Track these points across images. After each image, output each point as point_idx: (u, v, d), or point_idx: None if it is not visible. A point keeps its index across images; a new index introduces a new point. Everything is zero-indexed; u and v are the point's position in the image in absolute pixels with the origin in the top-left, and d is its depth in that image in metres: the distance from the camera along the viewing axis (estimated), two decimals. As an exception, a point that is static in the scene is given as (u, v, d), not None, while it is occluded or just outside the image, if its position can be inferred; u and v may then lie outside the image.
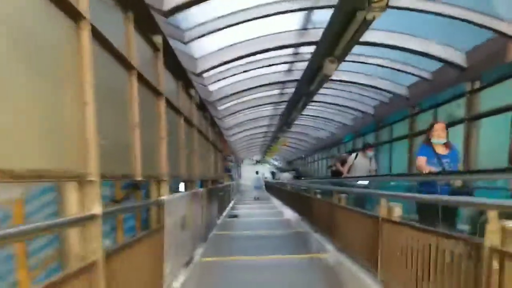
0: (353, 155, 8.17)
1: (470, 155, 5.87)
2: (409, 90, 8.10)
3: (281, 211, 13.16)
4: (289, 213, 11.33)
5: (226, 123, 11.64)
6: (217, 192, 8.86)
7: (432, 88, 7.03)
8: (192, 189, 5.33)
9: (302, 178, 16.76)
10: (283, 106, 10.39)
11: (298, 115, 10.39)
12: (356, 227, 4.68)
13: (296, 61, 7.64)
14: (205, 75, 6.54)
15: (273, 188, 19.66)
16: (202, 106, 6.64)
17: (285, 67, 8.20)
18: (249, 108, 11.05)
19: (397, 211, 3.49)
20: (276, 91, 9.90)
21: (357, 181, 7.14)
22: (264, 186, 24.61)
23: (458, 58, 6.00)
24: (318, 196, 7.76)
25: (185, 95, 5.23)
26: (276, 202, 16.79)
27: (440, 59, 6.14)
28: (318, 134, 16.29)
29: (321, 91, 8.22)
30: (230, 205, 14.71)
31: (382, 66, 7.32)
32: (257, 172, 27.35)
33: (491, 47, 5.39)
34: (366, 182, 6.89)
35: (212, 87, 7.77)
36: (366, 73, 8.32)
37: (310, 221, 7.72)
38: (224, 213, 11.25)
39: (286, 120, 11.06)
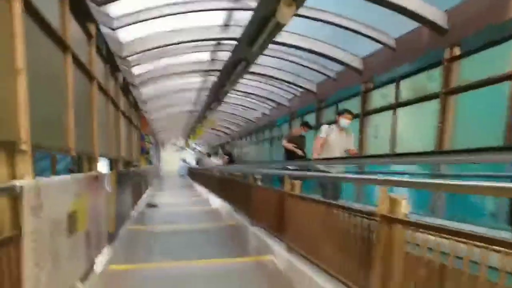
0: (326, 127, 5.95)
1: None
2: (363, 62, 7.15)
3: (207, 198, 12.05)
4: (217, 202, 9.97)
5: (145, 95, 10.41)
6: (130, 176, 7.28)
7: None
8: (90, 170, 3.83)
9: (235, 163, 15.37)
10: (214, 75, 9.50)
11: (232, 87, 9.60)
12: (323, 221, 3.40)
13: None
14: (130, 58, 6.80)
15: (197, 175, 18.73)
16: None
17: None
18: (174, 74, 9.44)
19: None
20: (205, 64, 9.07)
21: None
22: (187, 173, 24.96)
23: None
24: (259, 183, 6.32)
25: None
26: (200, 189, 15.48)
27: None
28: (250, 115, 15.36)
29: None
30: (148, 192, 12.78)
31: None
32: (184, 160, 27.61)
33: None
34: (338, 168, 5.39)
35: (136, 69, 8.00)
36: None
37: (246, 213, 6.39)
38: (141, 202, 9.52)
39: (217, 92, 10.32)
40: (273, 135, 13.83)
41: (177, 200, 12.40)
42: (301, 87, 9.51)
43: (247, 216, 6.40)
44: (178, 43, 6.70)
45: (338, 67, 8.03)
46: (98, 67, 4.39)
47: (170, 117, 16.46)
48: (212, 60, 8.77)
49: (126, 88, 7.69)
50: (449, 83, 5.09)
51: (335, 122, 6.08)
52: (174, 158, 29.34)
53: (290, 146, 7.41)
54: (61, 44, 2.94)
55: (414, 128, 6.29)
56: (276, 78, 9.41)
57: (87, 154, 3.88)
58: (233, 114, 16.10)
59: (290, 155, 7.40)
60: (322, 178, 5.39)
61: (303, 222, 3.90)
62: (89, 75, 3.87)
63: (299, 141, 7.57)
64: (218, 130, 21.48)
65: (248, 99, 13.08)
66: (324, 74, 8.27)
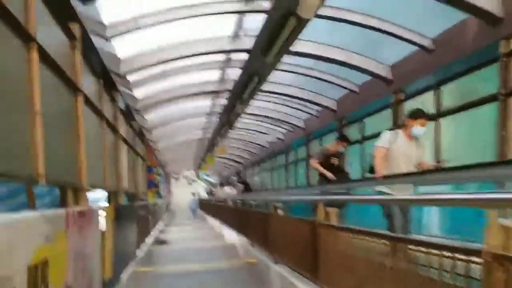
0: (388, 134, 4.36)
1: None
2: (392, 70, 6.30)
3: (221, 232, 11.19)
4: (232, 236, 9.11)
5: (150, 122, 9.73)
6: (135, 211, 6.45)
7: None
8: (77, 203, 3.04)
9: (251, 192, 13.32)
10: (223, 97, 8.74)
11: (244, 108, 8.51)
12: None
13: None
14: (130, 79, 6.09)
15: (209, 206, 18.08)
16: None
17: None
18: (180, 98, 8.63)
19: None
20: (214, 84, 8.29)
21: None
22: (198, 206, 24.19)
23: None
24: (279, 212, 6.00)
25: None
26: (213, 221, 14.69)
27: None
28: (262, 139, 14.34)
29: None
30: (158, 227, 12.13)
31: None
32: (193, 194, 26.67)
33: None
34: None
35: (138, 92, 7.30)
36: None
37: (266, 248, 5.57)
38: (149, 239, 8.69)
39: (228, 115, 9.36)
40: (288, 161, 12.92)
41: (189, 235, 11.74)
42: (318, 104, 8.70)
43: (267, 252, 5.53)
44: (184, 57, 5.97)
45: (360, 79, 7.23)
46: (85, 78, 3.62)
47: (178, 146, 15.73)
48: (221, 80, 8.06)
49: (128, 113, 6.96)
50: (509, 82, 4.21)
51: (400, 126, 4.59)
52: (185, 190, 28.43)
53: (319, 167, 6.02)
54: (22, 32, 2.17)
55: (464, 138, 5.35)
56: (291, 96, 8.63)
57: (69, 183, 3.04)
58: (244, 140, 15.31)
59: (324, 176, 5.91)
60: (386, 204, 4.01)
61: (349, 261, 2.98)
62: (70, 82, 3.08)
63: (337, 159, 6.20)
64: (229, 159, 20.68)
65: (260, 122, 12.31)
66: (345, 88, 7.46)
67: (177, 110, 10.08)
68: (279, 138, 12.85)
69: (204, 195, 26.65)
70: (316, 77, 7.44)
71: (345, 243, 3.09)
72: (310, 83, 8.26)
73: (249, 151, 17.22)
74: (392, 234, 2.54)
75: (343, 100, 8.04)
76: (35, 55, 2.30)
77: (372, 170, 4.35)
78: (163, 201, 17.89)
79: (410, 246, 2.19)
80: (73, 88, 3.20)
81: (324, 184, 5.51)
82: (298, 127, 10.68)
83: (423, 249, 2.05)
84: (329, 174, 5.83)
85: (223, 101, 9.10)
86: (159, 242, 9.28)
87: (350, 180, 5.84)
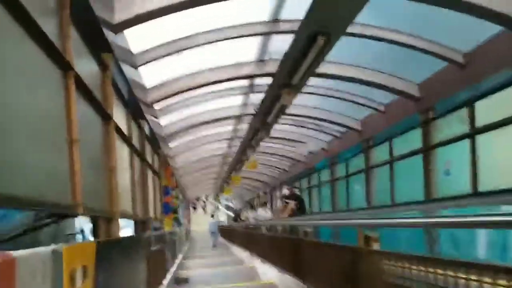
0: None
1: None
2: (420, 88, 6.15)
3: (253, 267, 9.19)
4: (271, 273, 7.25)
5: (172, 150, 9.62)
6: (145, 243, 4.59)
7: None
8: (109, 233, 2.81)
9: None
10: (246, 122, 8.66)
11: (267, 131, 7.85)
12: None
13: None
14: (155, 105, 6.11)
15: (233, 234, 16.05)
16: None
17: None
18: (204, 124, 8.62)
19: None
20: (237, 109, 8.27)
21: None
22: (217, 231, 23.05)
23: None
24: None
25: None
26: (240, 252, 12.81)
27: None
28: (283, 164, 14.05)
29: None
30: (177, 261, 10.05)
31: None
32: (212, 216, 25.41)
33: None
34: None
35: (162, 120, 7.32)
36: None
37: None
38: (167, 279, 6.91)
39: (251, 139, 8.86)
40: (311, 184, 12.68)
41: (214, 270, 9.64)
42: (342, 125, 8.54)
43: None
44: (208, 84, 5.98)
45: (385, 99, 7.08)
46: (115, 107, 3.61)
47: (198, 171, 15.64)
48: (244, 104, 8.03)
49: (154, 140, 6.95)
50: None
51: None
52: (204, 217, 27.91)
53: None
54: (60, 59, 2.14)
55: (503, 156, 5.10)
56: (314, 118, 8.51)
57: (102, 213, 2.95)
58: (265, 164, 15.16)
59: None
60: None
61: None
62: (103, 111, 3.05)
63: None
64: (252, 179, 20.35)
65: (281, 146, 12.21)
66: (370, 107, 7.31)
67: (199, 135, 10.08)
68: (299, 161, 12.68)
69: (224, 221, 25.97)
70: (338, 98, 7.32)
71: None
72: (331, 104, 8.14)
73: (268, 175, 17.02)
74: (461, 260, 2.25)
75: (368, 120, 7.87)
76: (72, 84, 2.27)
77: None
78: (182, 229, 16.10)
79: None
80: (106, 116, 3.17)
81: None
82: (322, 149, 10.52)
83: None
84: None
85: (245, 126, 9.06)
86: (179, 281, 7.76)
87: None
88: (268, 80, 6.19)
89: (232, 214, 26.68)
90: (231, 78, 6.07)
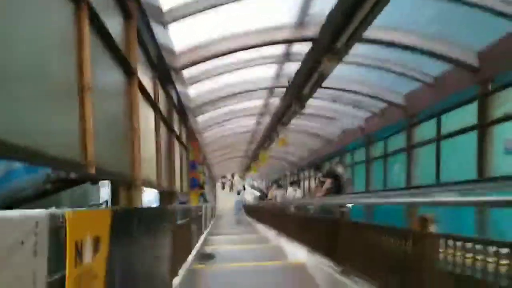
0: None
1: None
2: (479, 57, 5.41)
3: (279, 246, 9.10)
4: (300, 253, 7.04)
5: (203, 128, 9.41)
6: (170, 216, 4.10)
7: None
8: (130, 202, 2.59)
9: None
10: (277, 96, 8.21)
11: (302, 104, 7.31)
12: None
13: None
14: (185, 72, 5.68)
15: (258, 212, 16.11)
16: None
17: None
18: (233, 96, 8.21)
19: None
20: (268, 81, 7.76)
21: None
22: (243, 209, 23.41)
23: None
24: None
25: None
26: (264, 230, 12.78)
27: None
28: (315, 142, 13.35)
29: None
30: (202, 238, 9.84)
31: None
32: (238, 193, 25.58)
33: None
34: None
35: (191, 89, 6.93)
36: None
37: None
38: (192, 255, 6.66)
39: (283, 113, 8.35)
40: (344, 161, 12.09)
41: (240, 247, 9.51)
42: (384, 100, 7.89)
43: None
44: (242, 49, 5.50)
45: (435, 71, 6.38)
46: (140, 64, 3.21)
47: (226, 149, 15.33)
48: (278, 75, 7.51)
49: (182, 111, 6.58)
50: None
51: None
52: (230, 196, 28.03)
53: None
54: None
55: None
56: (354, 92, 7.89)
57: (121, 177, 2.58)
58: (294, 143, 14.62)
59: None
60: None
61: None
62: (125, 62, 2.64)
63: None
64: (275, 165, 19.97)
65: (312, 123, 11.64)
66: (418, 80, 6.61)
67: (227, 110, 9.66)
68: (330, 140, 12.09)
69: (250, 200, 26.00)
70: (382, 68, 6.64)
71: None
72: (372, 76, 7.47)
73: (296, 154, 16.48)
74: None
75: (413, 94, 7.19)
76: (85, 17, 1.85)
77: None
78: (208, 205, 15.90)
79: None
80: (128, 70, 2.77)
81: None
82: (353, 129, 9.90)
83: None
84: None
85: (276, 101, 8.56)
86: (204, 256, 7.70)
87: None
88: (307, 47, 5.65)
89: (257, 193, 26.84)
90: (267, 43, 5.55)
